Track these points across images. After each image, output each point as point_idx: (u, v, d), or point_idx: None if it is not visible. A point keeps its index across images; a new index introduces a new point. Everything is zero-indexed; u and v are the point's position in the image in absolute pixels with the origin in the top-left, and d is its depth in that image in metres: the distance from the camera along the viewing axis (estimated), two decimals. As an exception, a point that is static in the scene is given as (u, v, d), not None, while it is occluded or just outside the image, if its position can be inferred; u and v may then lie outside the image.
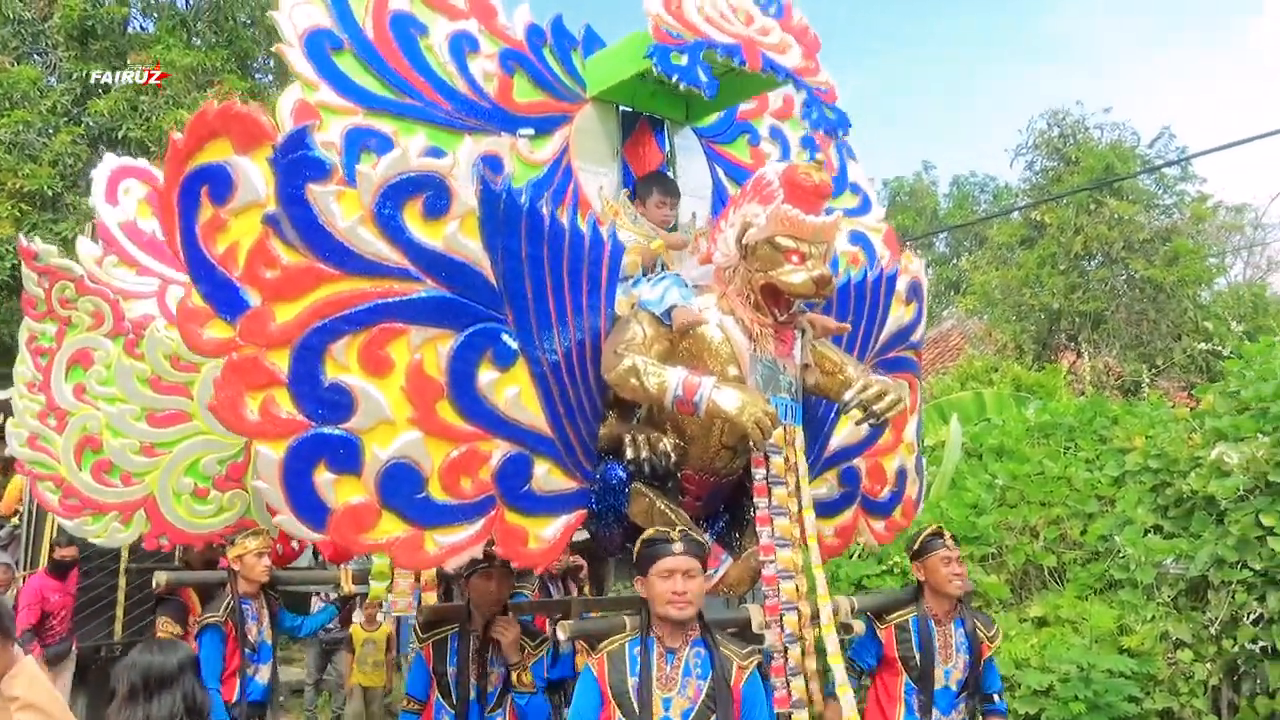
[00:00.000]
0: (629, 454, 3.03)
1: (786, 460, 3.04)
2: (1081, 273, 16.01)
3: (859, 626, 3.42)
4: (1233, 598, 4.56)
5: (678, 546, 2.74)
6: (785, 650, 2.89)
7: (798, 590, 2.96)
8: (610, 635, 2.82)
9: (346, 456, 2.68)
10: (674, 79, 3.14)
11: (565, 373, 3.02)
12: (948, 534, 3.65)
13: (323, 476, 2.65)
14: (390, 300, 2.71)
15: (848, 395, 3.10)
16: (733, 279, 3.13)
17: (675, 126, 4.00)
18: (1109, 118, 18.65)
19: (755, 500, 2.99)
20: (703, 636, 2.81)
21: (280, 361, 2.61)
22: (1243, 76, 50.59)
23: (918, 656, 3.55)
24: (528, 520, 2.95)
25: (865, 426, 3.90)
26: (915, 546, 3.69)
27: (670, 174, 3.90)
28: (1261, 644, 4.43)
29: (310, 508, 2.64)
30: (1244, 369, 5.54)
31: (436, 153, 2.83)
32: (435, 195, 2.74)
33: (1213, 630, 4.76)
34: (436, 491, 2.79)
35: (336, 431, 2.67)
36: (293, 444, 2.61)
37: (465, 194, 2.78)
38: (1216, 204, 18.05)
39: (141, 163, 5.33)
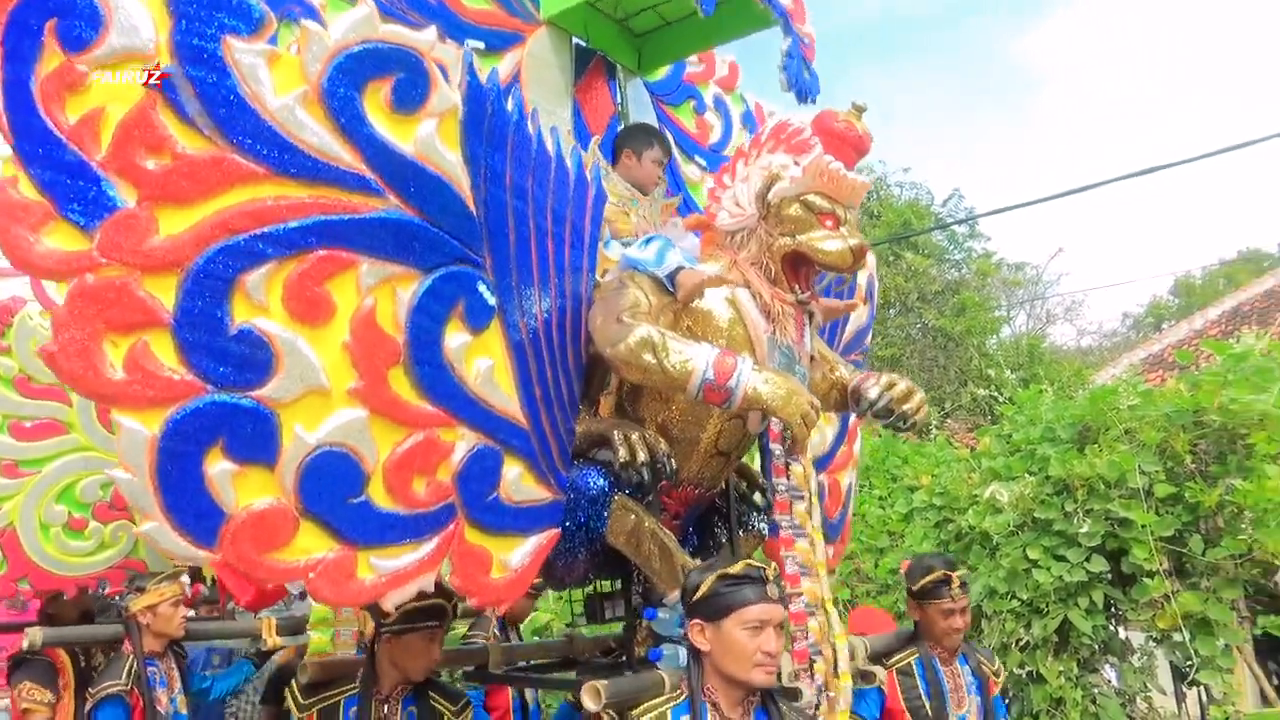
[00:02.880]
0: (621, 457, 2.32)
1: (803, 469, 2.46)
2: (881, 320, 16.73)
3: (880, 674, 2.84)
4: (1004, 626, 4.70)
5: (772, 590, 2.03)
6: (816, 707, 2.28)
7: (820, 629, 2.38)
8: (645, 699, 2.06)
9: (256, 438, 1.82)
10: None
11: (544, 345, 2.29)
12: (957, 578, 3.11)
13: (218, 466, 1.78)
14: (336, 217, 1.89)
15: (873, 393, 2.57)
16: (745, 244, 2.53)
17: (628, 75, 3.39)
18: (908, 177, 19.88)
19: (778, 517, 2.38)
20: (765, 704, 2.09)
21: (163, 293, 1.73)
22: (1025, 146, 57.01)
23: (927, 705, 3.01)
24: (491, 540, 2.16)
25: (829, 437, 3.46)
26: (917, 587, 3.15)
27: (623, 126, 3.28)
28: (1027, 669, 4.56)
29: (196, 511, 1.75)
30: (1017, 414, 5.80)
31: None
32: (410, 80, 1.96)
33: (986, 657, 4.93)
34: (379, 495, 1.97)
35: (244, 400, 1.80)
36: (175, 415, 1.73)
37: (447, 86, 2.02)
38: (999, 261, 19.57)
39: None
